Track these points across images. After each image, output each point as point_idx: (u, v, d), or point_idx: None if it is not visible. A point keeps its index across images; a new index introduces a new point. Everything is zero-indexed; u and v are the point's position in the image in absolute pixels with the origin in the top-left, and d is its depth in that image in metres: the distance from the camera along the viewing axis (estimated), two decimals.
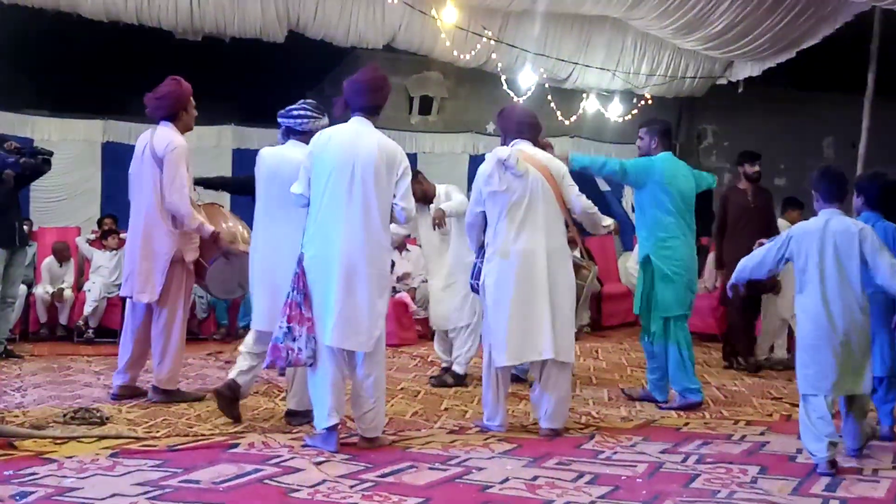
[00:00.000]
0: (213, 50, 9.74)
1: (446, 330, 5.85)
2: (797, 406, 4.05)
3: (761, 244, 4.41)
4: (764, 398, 5.47)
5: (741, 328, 6.55)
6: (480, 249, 4.56)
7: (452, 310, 5.71)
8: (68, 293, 7.87)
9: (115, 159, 9.21)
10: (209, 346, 7.50)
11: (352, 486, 3.33)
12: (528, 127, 4.58)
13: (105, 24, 8.79)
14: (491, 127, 10.84)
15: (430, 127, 11.56)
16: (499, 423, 4.36)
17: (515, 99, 9.95)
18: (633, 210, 5.61)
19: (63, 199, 9.97)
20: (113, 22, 8.77)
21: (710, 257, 8.13)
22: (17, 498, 3.08)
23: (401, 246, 8.27)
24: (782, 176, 12.47)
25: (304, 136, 4.38)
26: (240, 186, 6.50)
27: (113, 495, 3.13)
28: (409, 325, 8.06)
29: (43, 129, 9.85)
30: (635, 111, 11.12)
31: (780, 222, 6.78)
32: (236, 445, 3.90)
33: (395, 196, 3.99)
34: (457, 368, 5.74)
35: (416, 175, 5.21)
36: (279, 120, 4.61)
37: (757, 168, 6.66)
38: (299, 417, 4.34)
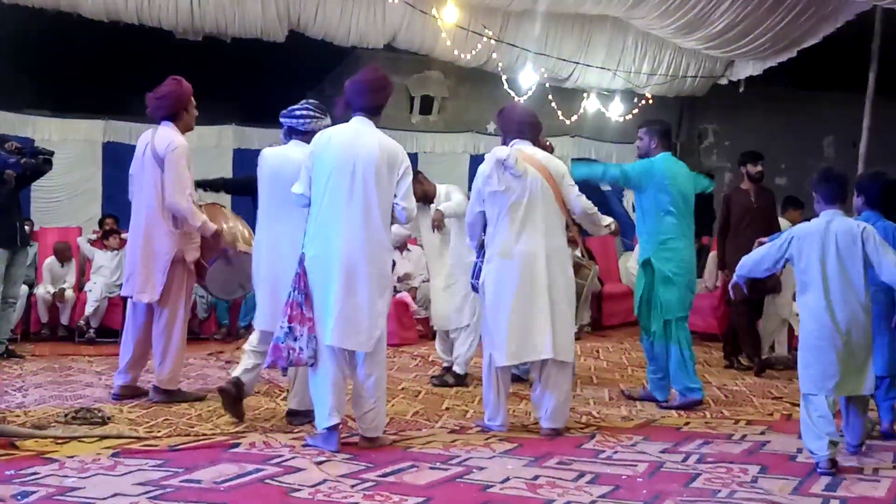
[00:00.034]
0: (213, 50, 9.73)
1: (447, 330, 5.85)
2: (798, 406, 4.06)
3: (761, 243, 4.42)
4: (764, 398, 5.48)
5: (745, 328, 6.53)
6: (481, 249, 4.56)
7: (453, 310, 5.72)
8: (69, 293, 7.88)
9: (116, 159, 9.20)
10: (210, 346, 7.51)
11: (353, 486, 3.33)
12: (528, 127, 4.58)
13: (105, 23, 8.78)
14: (492, 127, 10.83)
15: (430, 126, 11.55)
16: (500, 423, 4.36)
17: (516, 98, 9.94)
18: (634, 210, 5.61)
19: (64, 199, 9.96)
20: (113, 22, 8.77)
21: (711, 256, 8.14)
22: (19, 497, 3.08)
23: (402, 246, 8.27)
24: (783, 175, 12.46)
25: (307, 136, 4.38)
26: (240, 187, 6.51)
27: (114, 495, 3.14)
28: (410, 324, 8.07)
29: (44, 129, 9.84)
30: (636, 111, 11.11)
31: (781, 222, 6.76)
32: (237, 445, 3.91)
33: (396, 196, 3.99)
34: (457, 368, 5.74)
35: (417, 175, 5.22)
36: (281, 120, 4.62)
37: (760, 168, 6.66)
38: (300, 417, 4.35)
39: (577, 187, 4.50)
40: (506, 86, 10.24)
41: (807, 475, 3.64)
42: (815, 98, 12.30)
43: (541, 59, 10.12)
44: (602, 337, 8.62)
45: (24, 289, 7.33)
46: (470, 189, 4.60)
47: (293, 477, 3.43)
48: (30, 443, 3.84)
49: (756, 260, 4.08)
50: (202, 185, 5.52)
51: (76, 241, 8.44)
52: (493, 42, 9.73)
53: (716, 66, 10.70)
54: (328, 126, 4.30)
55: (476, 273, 4.57)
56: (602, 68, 10.52)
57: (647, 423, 4.66)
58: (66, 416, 4.34)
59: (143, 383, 5.14)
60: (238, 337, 7.89)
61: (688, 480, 3.54)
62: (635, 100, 11.18)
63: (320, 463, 3.64)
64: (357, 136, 3.99)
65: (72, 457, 3.62)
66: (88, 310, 7.71)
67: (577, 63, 10.40)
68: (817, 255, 3.83)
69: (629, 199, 10.94)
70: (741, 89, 10.60)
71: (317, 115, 4.55)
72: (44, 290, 7.85)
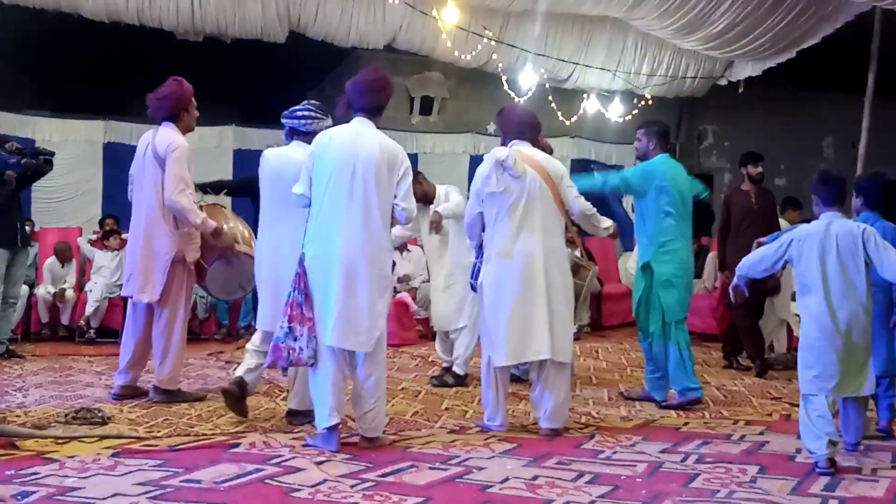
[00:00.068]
0: (214, 50, 9.74)
1: (447, 331, 5.86)
2: (797, 406, 4.07)
3: (760, 244, 4.43)
4: (763, 398, 5.49)
5: (746, 330, 6.52)
6: (480, 249, 4.57)
7: (452, 310, 5.72)
8: (70, 293, 7.89)
9: (117, 160, 9.22)
10: (210, 347, 7.51)
11: (352, 486, 3.34)
12: (528, 127, 4.59)
13: (106, 24, 8.79)
14: (492, 127, 10.84)
15: (430, 127, 11.56)
16: (499, 423, 4.37)
17: (516, 99, 9.95)
18: (634, 210, 5.63)
19: (64, 199, 9.97)
20: (114, 22, 8.77)
21: (710, 257, 8.15)
22: (19, 497, 3.09)
23: (402, 246, 8.28)
24: (782, 176, 12.47)
25: (308, 136, 4.39)
26: (240, 188, 6.52)
27: (114, 495, 3.14)
28: (410, 325, 8.08)
29: (44, 130, 9.86)
30: (636, 111, 11.12)
31: (780, 222, 6.78)
32: (237, 445, 3.92)
33: (396, 196, 4.00)
34: (457, 369, 5.75)
35: (417, 175, 5.23)
36: (283, 121, 4.63)
37: (760, 169, 6.65)
38: (300, 417, 4.36)
39: (575, 188, 4.51)
40: (506, 86, 10.24)
41: (805, 475, 3.65)
42: (815, 99, 12.32)
43: (541, 59, 10.13)
44: (601, 337, 8.63)
45: (25, 289, 7.33)
46: (470, 190, 4.61)
47: (293, 477, 3.44)
48: (30, 443, 3.84)
49: (754, 261, 4.10)
50: (203, 187, 5.53)
51: (76, 241, 8.45)
52: (493, 43, 9.74)
53: (715, 66, 10.71)
54: (329, 127, 4.32)
55: (475, 273, 4.58)
56: (602, 69, 10.52)
57: (647, 424, 4.67)
58: (66, 416, 4.35)
59: (143, 383, 5.15)
60: (238, 337, 7.90)
61: (687, 480, 3.55)
62: (635, 100, 11.19)
63: (320, 463, 3.65)
64: (357, 136, 4.00)
65: (72, 457, 3.63)
66: (89, 310, 7.72)
67: (577, 64, 10.41)
68: (817, 257, 3.85)
69: (629, 199, 10.95)
70: (741, 90, 10.61)
71: (318, 115, 4.56)
72: (44, 290, 7.86)
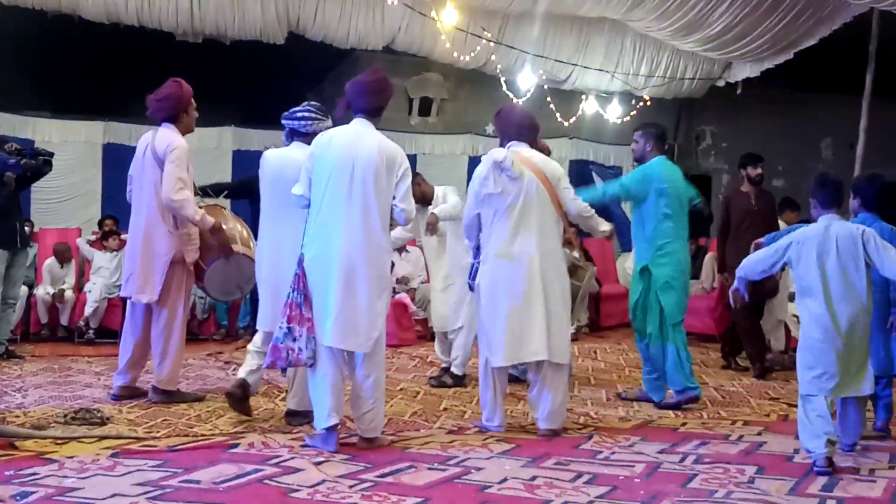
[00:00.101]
0: (213, 51, 9.75)
1: (446, 331, 5.87)
2: (794, 406, 4.08)
3: (758, 245, 4.44)
4: (761, 398, 5.50)
5: (747, 331, 6.50)
6: (478, 250, 4.58)
7: (451, 311, 5.74)
8: (69, 294, 7.89)
9: (116, 161, 9.21)
10: (209, 347, 7.51)
11: (351, 486, 3.34)
12: (526, 129, 4.59)
13: (106, 25, 8.79)
14: (490, 128, 10.83)
15: (429, 128, 11.56)
16: (497, 424, 4.38)
17: (515, 100, 9.95)
18: (632, 212, 5.64)
19: (64, 200, 9.97)
20: (113, 23, 8.77)
21: (708, 257, 8.17)
22: (18, 498, 3.09)
23: (400, 247, 8.28)
24: (780, 177, 12.48)
25: (308, 137, 4.39)
26: (239, 189, 6.53)
27: (113, 495, 3.15)
28: (409, 325, 8.08)
29: (44, 131, 9.85)
30: (634, 112, 11.13)
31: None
32: (236, 446, 3.92)
33: (394, 197, 4.01)
34: (455, 369, 5.76)
35: (415, 176, 5.24)
36: (283, 122, 4.64)
37: (760, 171, 6.64)
38: (299, 418, 4.36)
39: (572, 190, 4.52)
40: (504, 87, 10.25)
41: (803, 476, 3.66)
42: (813, 100, 12.34)
43: (539, 60, 10.14)
44: (600, 338, 8.63)
45: (24, 290, 7.34)
46: (468, 191, 4.61)
47: (292, 477, 3.45)
48: (29, 443, 3.85)
49: (753, 263, 4.11)
50: (203, 190, 5.55)
51: (76, 242, 8.45)
52: (491, 44, 9.75)
53: (713, 67, 10.72)
54: (330, 128, 4.33)
55: (473, 274, 4.58)
56: (600, 70, 10.54)
57: (645, 424, 4.68)
58: (65, 416, 4.35)
59: (142, 384, 5.15)
60: (237, 338, 7.91)
61: (685, 481, 3.56)
62: (633, 101, 11.20)
63: (319, 463, 3.65)
64: (357, 137, 4.01)
65: (71, 457, 3.64)
66: (88, 310, 7.72)
67: (576, 65, 10.42)
68: (816, 259, 3.86)
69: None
70: (739, 91, 10.62)
71: (318, 116, 4.57)
72: (43, 290, 7.86)
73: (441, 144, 11.34)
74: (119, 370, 5.10)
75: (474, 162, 10.59)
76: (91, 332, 7.72)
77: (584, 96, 11.13)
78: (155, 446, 3.90)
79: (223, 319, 8.16)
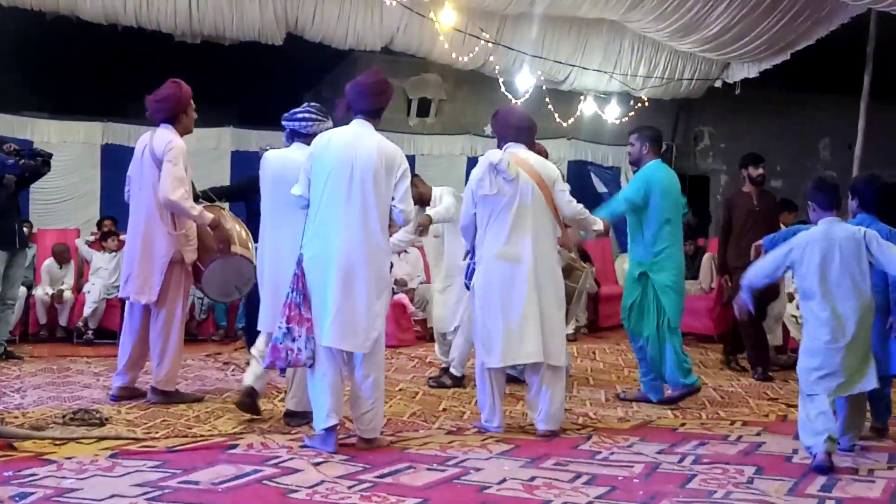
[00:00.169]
0: (212, 52, 9.75)
1: (445, 332, 5.87)
2: (793, 407, 4.09)
3: (758, 247, 4.45)
4: (760, 399, 5.50)
5: (750, 335, 6.42)
6: (474, 251, 4.58)
7: (450, 311, 5.74)
8: (68, 295, 7.89)
9: (115, 161, 9.20)
10: (208, 348, 7.52)
11: (350, 487, 3.35)
12: (524, 131, 4.59)
13: (104, 26, 8.79)
14: (489, 129, 10.83)
15: (428, 129, 11.56)
16: (496, 424, 4.38)
17: (513, 101, 9.96)
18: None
19: (63, 201, 9.96)
20: (112, 24, 8.77)
21: (706, 258, 8.16)
22: (17, 499, 3.09)
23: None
24: (779, 178, 12.48)
25: (309, 138, 4.39)
26: (237, 192, 6.52)
27: (112, 496, 3.15)
28: (408, 326, 8.09)
29: (42, 131, 9.84)
30: (632, 113, 11.14)
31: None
32: (235, 446, 3.92)
33: (393, 198, 4.01)
34: (453, 370, 5.76)
35: (413, 177, 5.24)
36: (283, 123, 4.64)
37: (761, 171, 6.62)
38: (298, 418, 4.36)
39: (568, 192, 4.52)
40: (503, 88, 10.26)
41: (802, 476, 3.66)
42: (811, 101, 12.36)
43: (538, 61, 10.14)
44: (598, 338, 8.64)
45: (23, 290, 7.34)
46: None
47: (291, 478, 3.45)
48: (28, 444, 3.84)
49: (755, 272, 4.12)
50: (205, 193, 5.55)
51: (75, 242, 8.45)
52: (490, 45, 9.75)
53: (711, 68, 10.73)
54: (330, 128, 4.33)
55: (469, 274, 4.59)
56: (598, 71, 10.54)
57: (644, 425, 4.68)
58: (64, 417, 4.35)
59: (141, 384, 5.15)
60: (236, 338, 7.91)
61: (684, 481, 3.56)
62: (631, 102, 11.21)
63: (318, 464, 3.65)
64: (356, 138, 4.01)
65: (70, 458, 3.63)
66: (87, 311, 7.72)
67: (574, 66, 10.42)
68: (819, 262, 3.87)
69: None
70: (737, 92, 10.63)
71: (319, 117, 4.57)
72: (42, 291, 7.86)
73: (439, 145, 11.34)
74: (118, 371, 5.10)
75: (473, 163, 10.50)
76: (90, 332, 7.72)
77: (582, 97, 11.14)
78: (154, 447, 3.90)
79: (222, 320, 8.16)
